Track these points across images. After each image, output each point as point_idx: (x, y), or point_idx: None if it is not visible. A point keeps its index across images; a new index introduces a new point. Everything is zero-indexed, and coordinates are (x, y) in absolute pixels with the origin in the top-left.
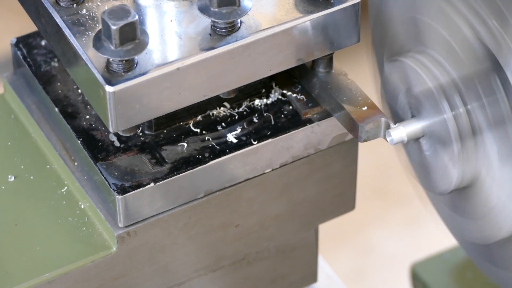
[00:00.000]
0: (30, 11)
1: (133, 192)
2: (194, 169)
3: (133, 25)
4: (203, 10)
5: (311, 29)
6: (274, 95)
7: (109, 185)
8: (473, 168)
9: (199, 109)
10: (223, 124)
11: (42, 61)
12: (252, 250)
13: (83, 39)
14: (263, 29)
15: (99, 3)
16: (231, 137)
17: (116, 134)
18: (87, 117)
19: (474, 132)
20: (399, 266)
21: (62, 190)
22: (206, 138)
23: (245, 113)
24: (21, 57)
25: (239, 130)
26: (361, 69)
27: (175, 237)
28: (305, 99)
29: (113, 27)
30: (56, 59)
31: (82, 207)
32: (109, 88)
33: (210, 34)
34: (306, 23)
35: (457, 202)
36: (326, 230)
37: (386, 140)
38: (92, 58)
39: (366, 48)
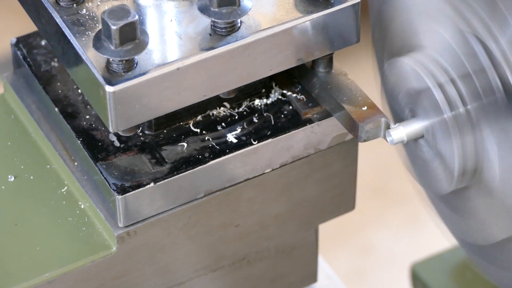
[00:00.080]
0: (30, 11)
1: (133, 192)
2: (194, 169)
3: (133, 25)
4: (203, 10)
5: (311, 29)
6: (274, 95)
7: (109, 185)
8: (473, 168)
9: (199, 109)
10: (223, 124)
11: (42, 61)
12: (252, 250)
13: (83, 39)
14: (263, 29)
15: (99, 3)
16: (231, 137)
17: (116, 134)
18: (87, 117)
19: (474, 131)
20: (399, 266)
21: (62, 190)
22: (206, 138)
23: (245, 113)
24: (21, 57)
25: (239, 130)
26: (361, 69)
27: (175, 237)
28: (305, 99)
29: (113, 27)
30: (56, 59)
31: (82, 207)
32: (109, 88)
33: (210, 34)
34: (306, 23)
35: (457, 202)
36: (326, 230)
37: (386, 140)
38: (92, 58)
39: (366, 48)
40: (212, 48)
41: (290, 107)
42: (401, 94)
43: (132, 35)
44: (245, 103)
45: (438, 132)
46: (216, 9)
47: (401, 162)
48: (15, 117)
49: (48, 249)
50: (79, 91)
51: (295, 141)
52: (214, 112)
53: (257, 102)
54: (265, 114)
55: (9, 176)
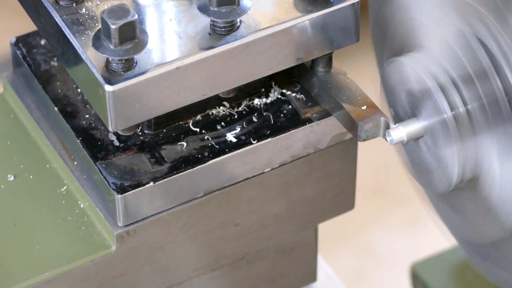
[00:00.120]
0: (29, 11)
1: (133, 191)
2: (194, 169)
3: (132, 24)
4: (203, 9)
5: (311, 28)
6: (274, 95)
7: (109, 184)
8: (473, 168)
9: (198, 109)
10: (222, 123)
11: (41, 61)
12: (251, 249)
13: (83, 38)
14: (263, 28)
15: (98, 3)
16: (230, 137)
17: (116, 133)
18: (87, 116)
19: (474, 131)
20: (399, 266)
21: (62, 190)
22: (206, 138)
23: (244, 112)
24: (20, 56)
25: (238, 129)
26: (361, 68)
27: (174, 236)
28: (304, 99)
29: (113, 27)
30: (55, 59)
31: (82, 206)
32: (108, 88)
33: (210, 34)
34: (305, 23)
35: (457, 202)
36: (326, 229)
37: (386, 140)
38: (92, 58)
39: (366, 48)
40: (212, 47)
41: (290, 107)
42: (401, 94)
43: (131, 34)
44: (244, 103)
45: (438, 132)
46: (216, 9)
47: (401, 162)
48: (14, 117)
49: (48, 249)
50: (79, 90)
51: (295, 141)
52: (214, 111)
53: (256, 101)
54: (264, 114)
55: (9, 176)
